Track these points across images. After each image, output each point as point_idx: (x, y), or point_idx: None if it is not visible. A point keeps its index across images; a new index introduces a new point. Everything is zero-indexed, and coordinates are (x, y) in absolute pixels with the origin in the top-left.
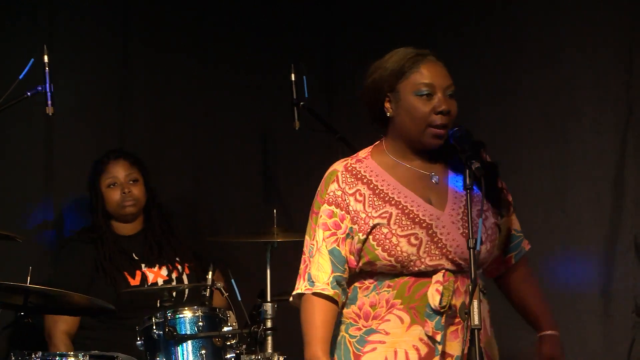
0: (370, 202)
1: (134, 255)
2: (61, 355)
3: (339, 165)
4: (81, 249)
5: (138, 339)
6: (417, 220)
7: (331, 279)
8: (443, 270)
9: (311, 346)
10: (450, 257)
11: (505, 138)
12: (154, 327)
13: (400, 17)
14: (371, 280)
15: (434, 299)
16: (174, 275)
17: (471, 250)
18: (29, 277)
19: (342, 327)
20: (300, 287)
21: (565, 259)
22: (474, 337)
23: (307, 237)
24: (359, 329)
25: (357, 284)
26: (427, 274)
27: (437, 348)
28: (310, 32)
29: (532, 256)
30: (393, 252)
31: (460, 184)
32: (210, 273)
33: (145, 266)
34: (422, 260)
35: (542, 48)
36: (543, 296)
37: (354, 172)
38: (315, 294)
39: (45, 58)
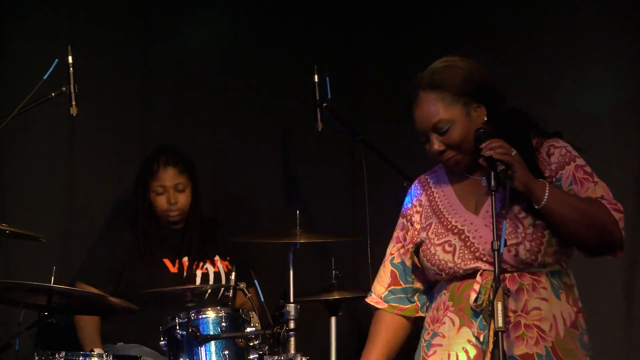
0: (425, 213)
1: (176, 243)
2: (84, 355)
3: (417, 178)
4: (123, 231)
5: (161, 339)
6: (449, 227)
7: (386, 292)
8: (481, 270)
9: (362, 357)
10: (484, 259)
11: None
12: (177, 328)
13: (422, 19)
14: (438, 286)
15: (470, 298)
16: (213, 271)
17: (495, 252)
18: (52, 277)
19: (422, 333)
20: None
21: (587, 261)
22: (497, 339)
23: None
24: (429, 333)
25: (434, 291)
26: (472, 275)
27: (485, 349)
28: (332, 33)
29: None
30: (433, 261)
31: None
32: (233, 273)
33: (186, 258)
34: (459, 265)
35: (563, 49)
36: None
37: (424, 184)
38: (370, 305)
39: (70, 59)
